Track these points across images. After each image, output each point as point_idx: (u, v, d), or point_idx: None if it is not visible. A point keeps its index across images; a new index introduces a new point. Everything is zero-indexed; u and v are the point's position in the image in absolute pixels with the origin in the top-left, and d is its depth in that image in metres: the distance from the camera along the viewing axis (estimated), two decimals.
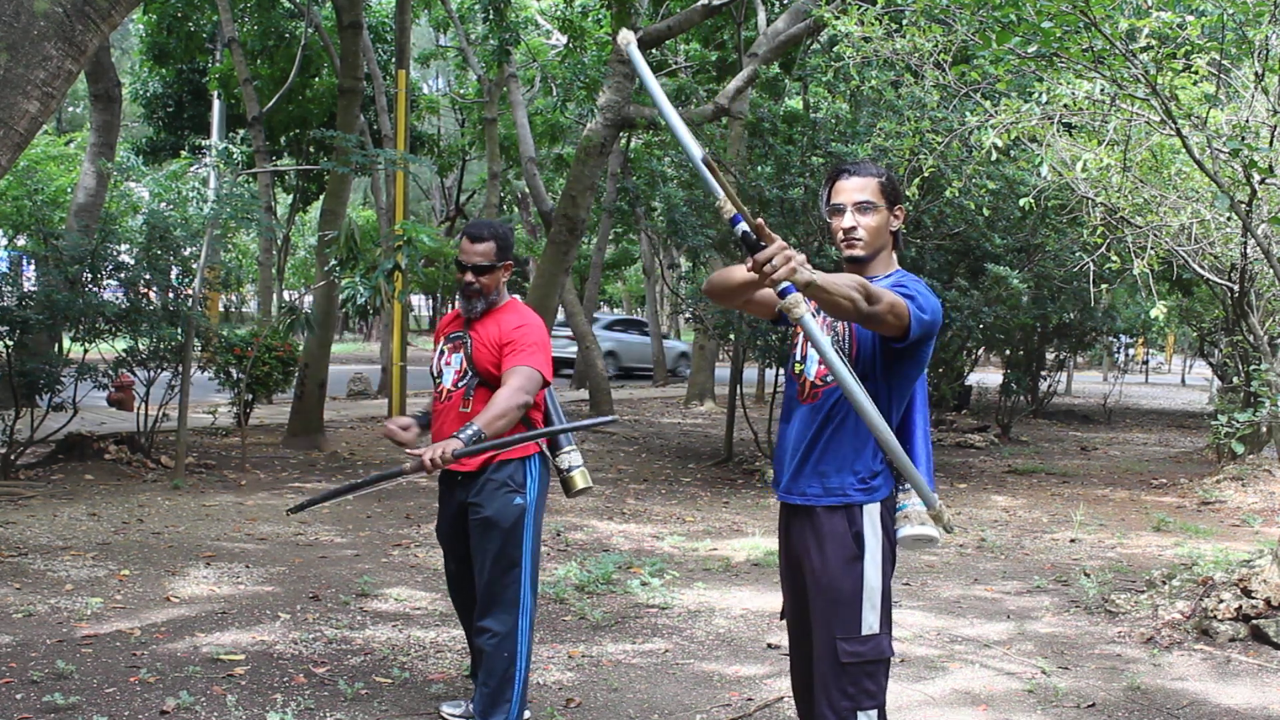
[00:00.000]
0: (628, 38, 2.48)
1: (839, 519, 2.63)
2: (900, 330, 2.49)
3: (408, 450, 3.23)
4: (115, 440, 9.16)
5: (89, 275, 8.60)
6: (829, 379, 2.66)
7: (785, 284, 2.17)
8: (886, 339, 2.55)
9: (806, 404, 2.70)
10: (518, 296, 3.77)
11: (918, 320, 2.51)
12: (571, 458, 3.67)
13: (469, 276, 3.54)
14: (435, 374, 3.62)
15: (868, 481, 2.64)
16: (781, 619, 2.92)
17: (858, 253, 2.66)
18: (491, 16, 12.74)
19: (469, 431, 3.24)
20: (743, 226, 2.20)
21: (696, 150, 2.24)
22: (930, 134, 7.14)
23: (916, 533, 2.62)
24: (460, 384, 3.54)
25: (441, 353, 3.63)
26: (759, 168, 9.89)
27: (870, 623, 2.61)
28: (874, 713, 2.61)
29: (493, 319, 3.57)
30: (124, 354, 8.94)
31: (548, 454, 3.64)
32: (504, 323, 3.54)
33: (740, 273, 2.57)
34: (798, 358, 2.76)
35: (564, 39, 17.41)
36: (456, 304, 3.73)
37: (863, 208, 2.65)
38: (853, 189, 2.66)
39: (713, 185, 2.23)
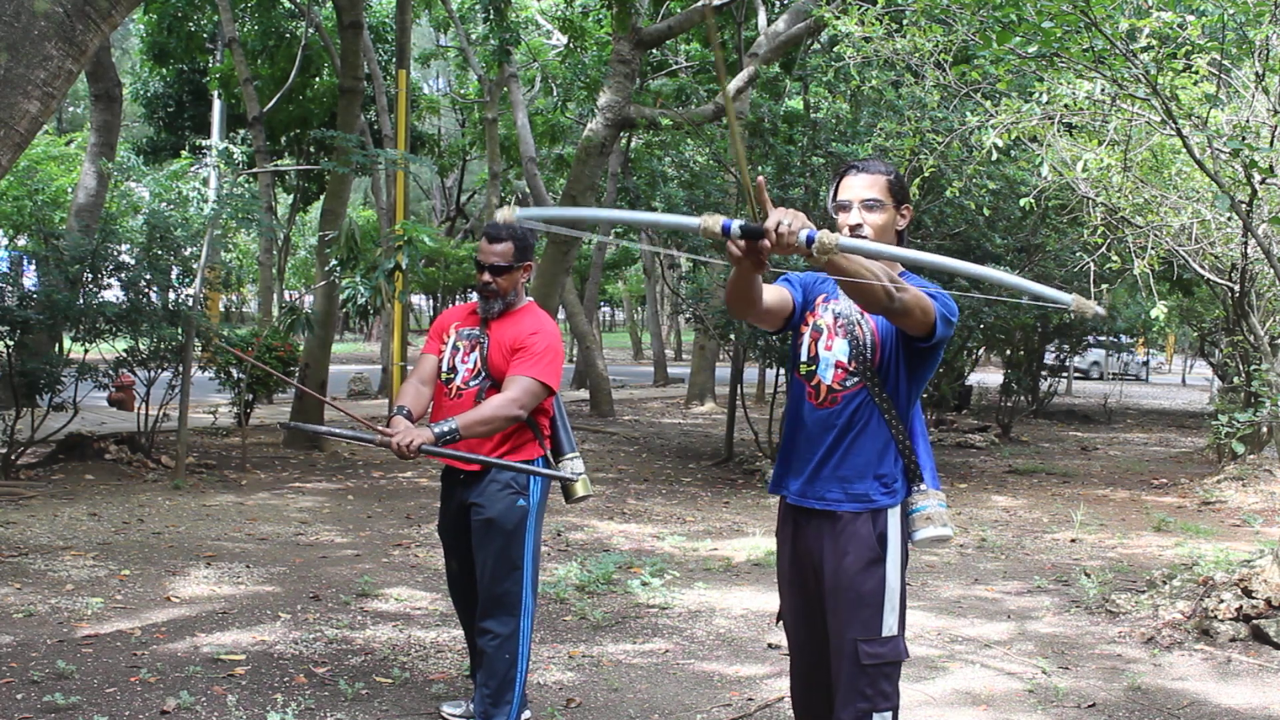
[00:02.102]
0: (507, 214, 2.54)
1: (864, 522, 2.62)
2: (926, 327, 2.48)
3: (382, 430, 3.30)
4: (116, 440, 9.16)
5: (89, 275, 8.61)
6: (848, 383, 2.63)
7: (806, 232, 2.13)
8: (911, 339, 2.54)
9: (824, 408, 2.65)
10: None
11: (944, 320, 2.51)
12: (574, 465, 3.67)
13: (486, 276, 3.53)
14: (448, 369, 3.60)
15: (889, 485, 2.63)
16: (778, 623, 2.90)
17: None
18: (491, 16, 12.73)
19: (445, 428, 3.28)
20: (735, 224, 2.17)
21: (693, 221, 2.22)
22: (931, 134, 7.15)
23: (937, 534, 2.62)
24: (472, 383, 3.53)
25: (456, 349, 3.61)
26: (759, 168, 9.89)
27: (890, 624, 2.60)
28: (889, 715, 2.59)
29: (511, 321, 3.56)
30: (124, 354, 8.94)
31: (551, 458, 3.64)
32: (521, 327, 3.53)
33: (746, 266, 2.40)
34: (804, 358, 2.71)
35: (564, 39, 17.41)
36: (471, 299, 3.72)
37: (870, 205, 2.63)
38: (860, 186, 2.64)
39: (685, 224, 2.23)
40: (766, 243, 2.16)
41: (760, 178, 2.19)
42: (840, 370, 2.65)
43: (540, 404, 3.52)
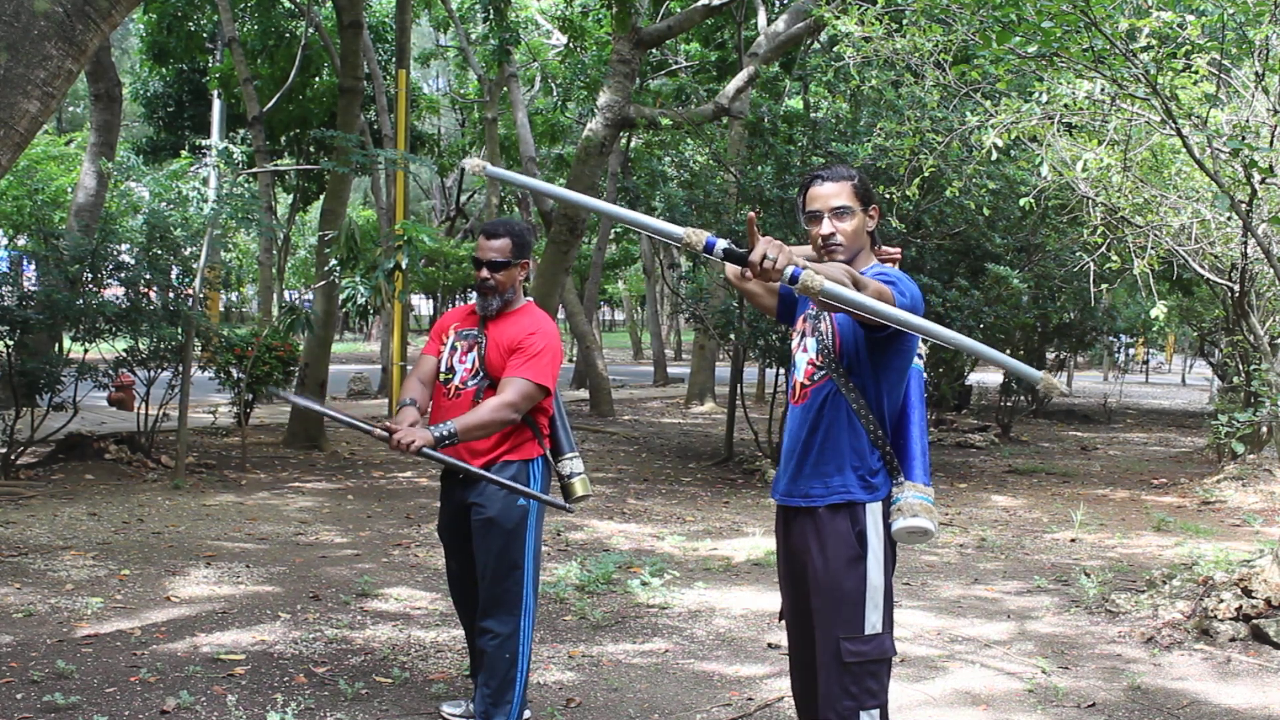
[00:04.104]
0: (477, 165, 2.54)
1: (842, 518, 2.64)
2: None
3: (384, 425, 3.28)
4: (115, 440, 9.16)
5: (89, 275, 8.61)
6: (816, 378, 2.69)
7: (792, 269, 2.17)
8: (870, 328, 2.56)
9: (798, 405, 2.73)
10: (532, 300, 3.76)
11: (900, 306, 2.52)
12: (573, 464, 3.67)
13: (484, 272, 3.53)
14: (446, 369, 3.60)
15: (868, 480, 2.65)
16: (779, 621, 2.92)
17: (838, 258, 2.68)
18: (491, 16, 12.74)
19: (443, 431, 3.27)
20: (720, 244, 2.21)
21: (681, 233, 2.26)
22: (930, 134, 7.15)
23: (910, 525, 2.62)
24: (470, 383, 3.53)
25: (454, 349, 3.61)
26: (759, 167, 9.89)
27: (873, 622, 2.61)
28: (876, 712, 2.61)
29: (509, 321, 3.56)
30: (124, 354, 8.94)
31: (550, 458, 3.64)
32: (519, 327, 3.53)
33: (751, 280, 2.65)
34: (791, 363, 2.80)
35: (564, 39, 17.41)
36: (470, 301, 3.72)
37: (839, 213, 2.67)
38: (828, 195, 2.68)
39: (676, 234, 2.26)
40: (748, 271, 2.20)
41: (751, 213, 2.22)
42: (810, 366, 2.71)
43: (539, 403, 3.52)
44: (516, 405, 3.40)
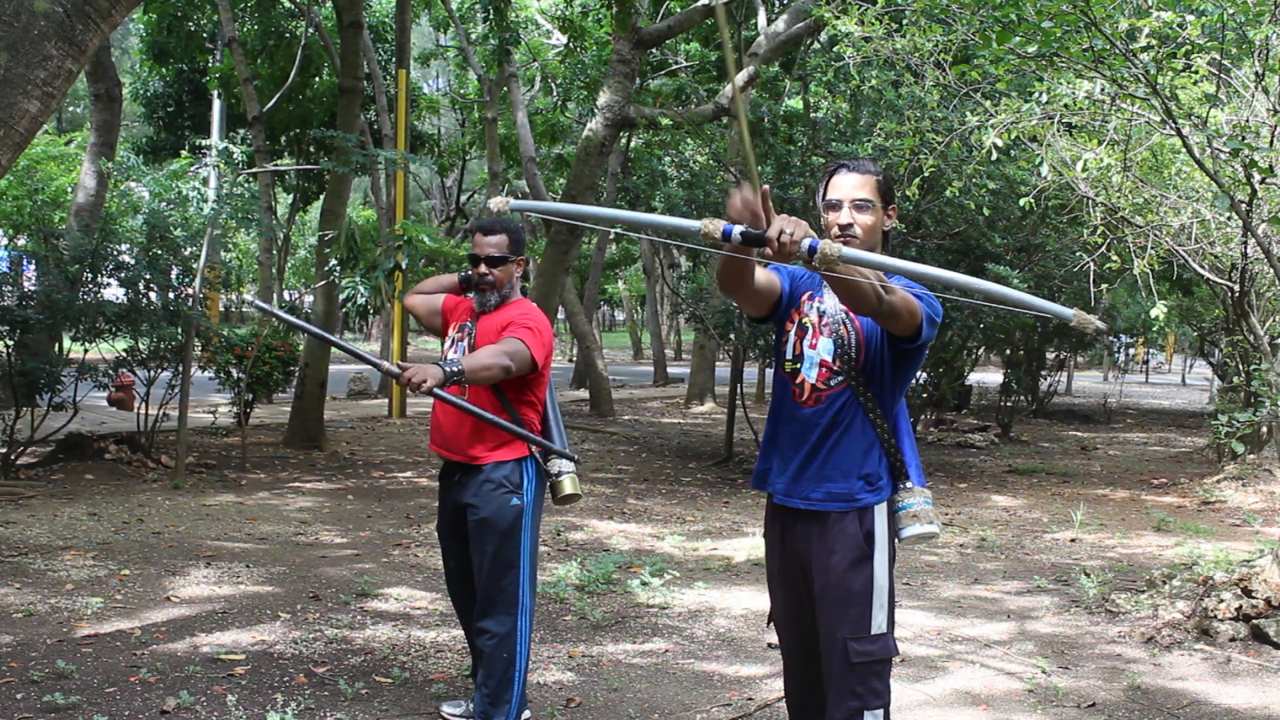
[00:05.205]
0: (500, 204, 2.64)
1: (851, 520, 2.63)
2: (913, 329, 2.49)
3: (399, 364, 3.17)
4: (115, 440, 9.16)
5: (89, 275, 8.60)
6: (832, 383, 2.64)
7: (809, 241, 2.15)
8: (897, 339, 2.55)
9: (808, 407, 2.66)
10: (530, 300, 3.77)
11: (930, 321, 2.52)
12: (563, 463, 3.65)
13: (483, 268, 3.55)
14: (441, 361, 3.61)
15: (874, 483, 2.64)
16: (768, 625, 2.91)
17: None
18: (491, 16, 12.74)
19: (453, 367, 3.18)
20: (736, 229, 2.20)
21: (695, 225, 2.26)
22: (930, 134, 7.15)
23: (923, 531, 2.64)
24: None
25: (451, 341, 3.64)
26: (759, 167, 9.88)
27: (879, 622, 2.61)
28: (880, 712, 2.60)
29: (500, 314, 3.57)
30: (124, 354, 8.94)
31: (539, 457, 3.63)
32: (507, 314, 3.55)
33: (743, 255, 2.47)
34: (788, 355, 2.72)
35: (564, 39, 17.41)
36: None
37: (861, 206, 2.63)
38: (852, 186, 2.64)
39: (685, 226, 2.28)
40: (768, 250, 2.18)
41: (765, 186, 2.22)
42: (824, 369, 2.66)
43: (528, 395, 3.51)
44: (511, 354, 3.34)
